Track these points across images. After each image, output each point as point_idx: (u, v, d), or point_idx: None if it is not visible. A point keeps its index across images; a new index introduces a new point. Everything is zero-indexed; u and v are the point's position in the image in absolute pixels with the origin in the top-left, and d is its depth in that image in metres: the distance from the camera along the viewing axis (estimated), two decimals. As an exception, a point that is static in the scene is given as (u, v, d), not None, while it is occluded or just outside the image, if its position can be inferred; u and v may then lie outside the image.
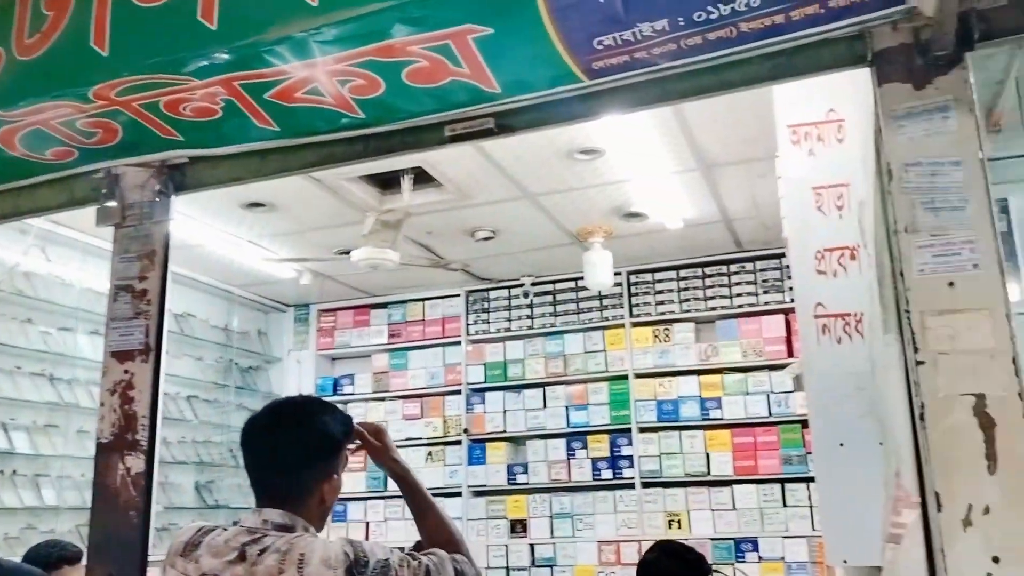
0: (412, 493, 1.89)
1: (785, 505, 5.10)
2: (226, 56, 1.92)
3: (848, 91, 2.29)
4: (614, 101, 1.96)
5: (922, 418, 1.55)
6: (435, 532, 1.84)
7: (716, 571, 3.14)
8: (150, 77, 2.00)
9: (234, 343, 6.00)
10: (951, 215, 1.61)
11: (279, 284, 5.78)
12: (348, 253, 4.31)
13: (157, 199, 2.42)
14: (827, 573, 4.24)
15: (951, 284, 1.57)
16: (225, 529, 1.69)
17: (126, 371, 2.29)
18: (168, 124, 2.15)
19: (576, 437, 5.61)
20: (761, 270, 5.49)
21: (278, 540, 1.61)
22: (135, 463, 2.24)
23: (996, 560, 1.46)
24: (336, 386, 6.23)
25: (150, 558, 2.68)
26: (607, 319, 5.73)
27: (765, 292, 5.46)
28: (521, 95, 1.94)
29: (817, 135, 2.58)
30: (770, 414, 5.26)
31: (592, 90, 1.91)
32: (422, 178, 3.98)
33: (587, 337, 5.76)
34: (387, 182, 4.12)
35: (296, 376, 6.29)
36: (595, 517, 5.43)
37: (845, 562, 2.38)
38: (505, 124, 2.01)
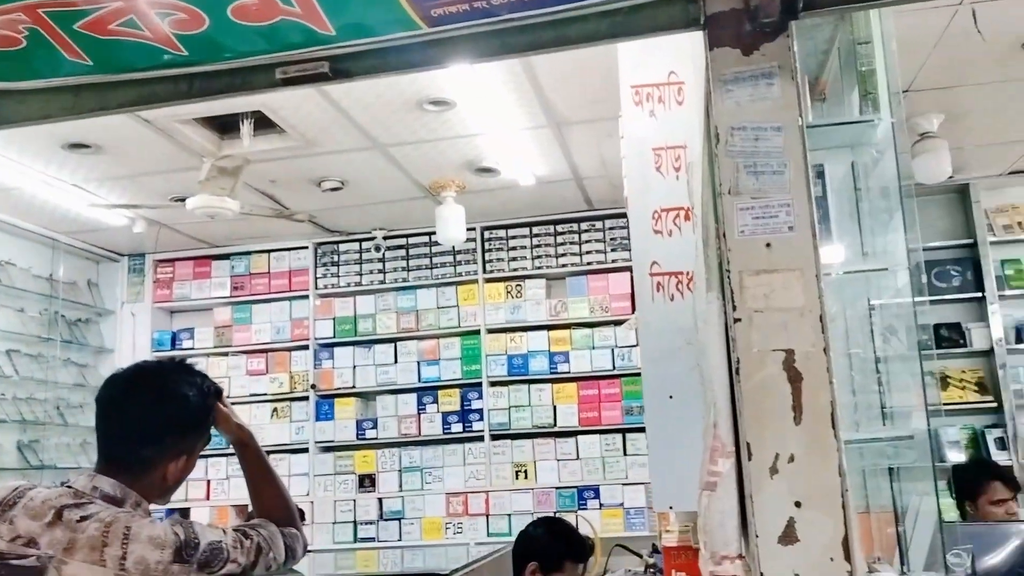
0: (256, 461, 1.81)
1: (625, 454, 5.32)
2: (28, -20, 1.73)
3: (689, 54, 2.34)
4: (455, 51, 1.91)
5: (737, 372, 1.63)
6: (271, 504, 1.78)
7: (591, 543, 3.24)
8: (-61, -1, 1.78)
9: (60, 294, 5.58)
10: (771, 179, 1.68)
11: (110, 232, 5.42)
12: (184, 200, 4.08)
13: (-46, 135, 2.20)
14: (661, 517, 4.46)
15: (768, 245, 1.64)
16: (46, 489, 1.58)
17: (-83, 325, 2.08)
18: (-36, 53, 1.94)
19: (427, 392, 5.62)
20: (610, 228, 5.63)
21: (103, 511, 1.50)
22: (-70, 425, 2.06)
23: (798, 505, 1.56)
24: (175, 340, 5.95)
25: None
26: (460, 275, 5.73)
27: (613, 250, 5.60)
28: (357, 39, 1.87)
29: (658, 96, 2.63)
30: (614, 367, 5.44)
31: (432, 38, 1.86)
32: (263, 123, 3.80)
33: (440, 292, 5.74)
34: (226, 126, 3.90)
35: (131, 330, 5.94)
36: (444, 470, 5.48)
37: (671, 508, 2.50)
38: (341, 69, 1.93)
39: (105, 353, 5.91)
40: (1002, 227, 5.46)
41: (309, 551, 4.55)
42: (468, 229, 5.08)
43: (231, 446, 1.80)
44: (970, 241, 5.44)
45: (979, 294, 5.35)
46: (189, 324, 6.05)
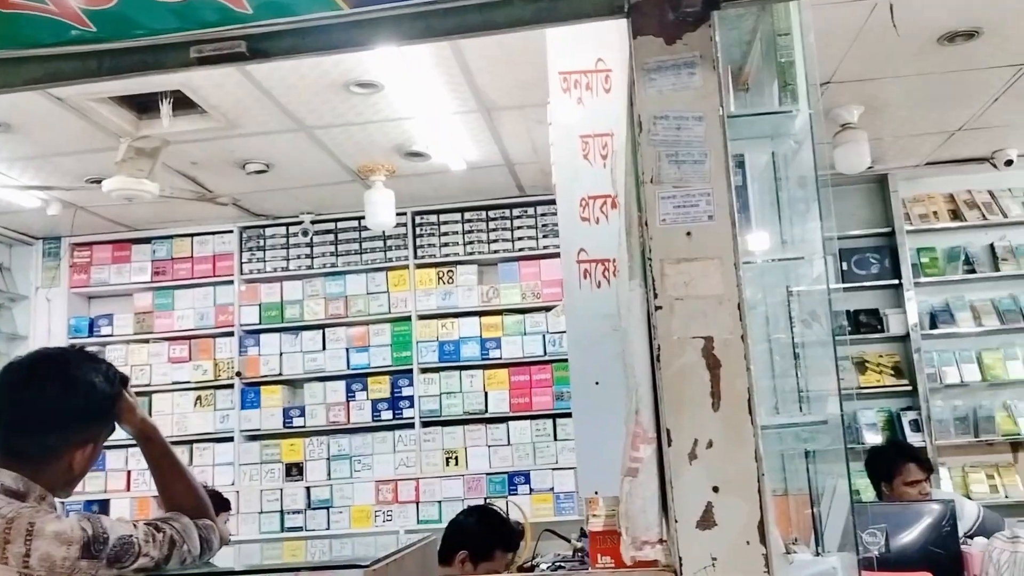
0: (162, 454, 1.76)
1: (556, 439, 5.36)
2: (-80, -53, 1.63)
3: (616, 42, 2.34)
4: (378, 32, 1.87)
5: (658, 359, 1.64)
6: (182, 497, 1.73)
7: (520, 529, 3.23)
8: None
9: (-31, 279, 5.35)
10: (692, 168, 1.69)
11: (23, 214, 5.19)
12: (101, 182, 3.93)
13: None
14: (590, 502, 4.51)
15: (688, 234, 1.66)
16: None
17: None
18: None
19: (356, 379, 5.56)
20: (542, 215, 5.64)
21: (5, 507, 1.45)
22: None
23: (716, 490, 1.58)
24: (92, 327, 5.75)
25: None
26: (391, 260, 5.67)
27: (545, 236, 5.62)
28: (276, 19, 1.81)
29: (586, 84, 2.62)
30: (545, 353, 5.47)
31: (354, 19, 1.82)
32: (183, 103, 3.67)
33: (370, 278, 5.68)
34: (144, 106, 3.77)
35: (46, 316, 5.72)
36: (374, 457, 5.44)
37: (596, 493, 2.53)
38: (259, 49, 1.87)
39: (19, 340, 5.68)
40: (918, 216, 5.66)
41: (235, 541, 4.45)
42: (398, 214, 5.04)
43: (134, 440, 1.74)
44: (888, 230, 5.63)
45: (896, 281, 5.55)
46: (108, 310, 5.85)
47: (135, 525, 1.56)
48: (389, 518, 5.33)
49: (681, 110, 1.70)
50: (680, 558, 1.56)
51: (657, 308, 1.64)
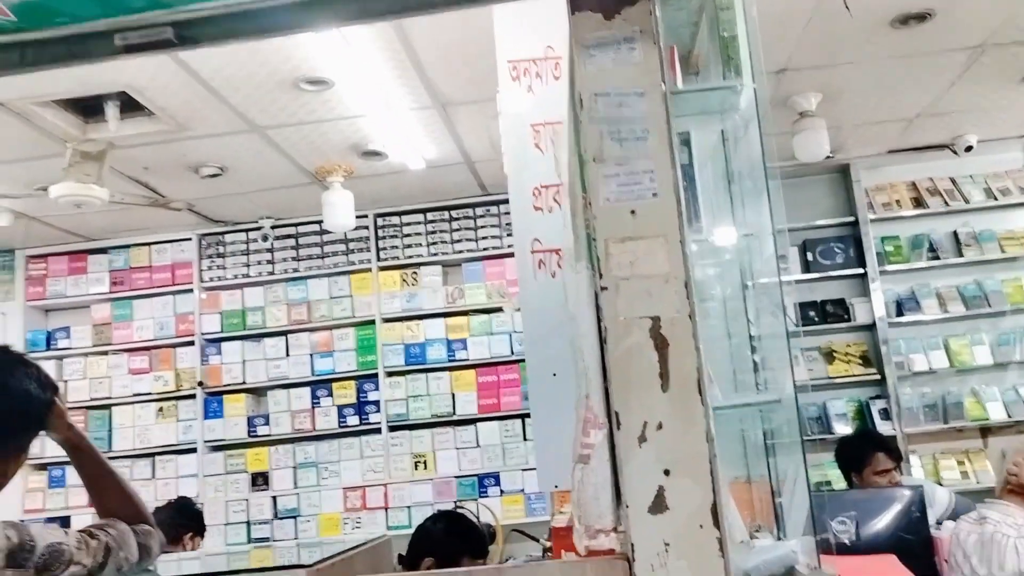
0: (91, 463, 1.69)
1: (525, 439, 5.30)
2: None
3: (565, 29, 2.30)
4: (311, 15, 1.81)
5: (605, 341, 1.59)
6: (117, 503, 1.67)
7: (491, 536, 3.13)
8: None
9: (-81, 295, 5.21)
10: (634, 145, 1.65)
11: (-28, 227, 5.06)
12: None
13: None
14: (559, 499, 4.45)
15: (633, 212, 1.61)
16: None
17: None
18: None
19: (321, 385, 5.47)
20: (505, 213, 5.58)
21: None
22: None
23: (667, 472, 1.54)
24: (50, 340, 5.61)
25: None
26: (354, 263, 5.60)
27: (509, 235, 5.56)
28: (204, 3, 1.75)
29: (536, 72, 2.59)
30: (512, 352, 5.40)
31: (286, 2, 1.76)
32: (131, 106, 3.58)
33: (332, 282, 5.60)
34: (90, 110, 3.67)
35: (1, 330, 5.58)
36: (341, 464, 5.35)
37: (556, 487, 2.47)
38: (187, 35, 1.81)
39: (-28, 356, 5.53)
40: (881, 205, 5.68)
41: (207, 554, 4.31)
42: (361, 216, 4.96)
43: (63, 449, 1.66)
44: (852, 219, 5.64)
45: (861, 270, 5.56)
46: (65, 323, 5.71)
47: (67, 532, 1.50)
48: (358, 525, 5.24)
49: (622, 86, 1.66)
50: (632, 545, 1.51)
51: (603, 289, 1.59)
